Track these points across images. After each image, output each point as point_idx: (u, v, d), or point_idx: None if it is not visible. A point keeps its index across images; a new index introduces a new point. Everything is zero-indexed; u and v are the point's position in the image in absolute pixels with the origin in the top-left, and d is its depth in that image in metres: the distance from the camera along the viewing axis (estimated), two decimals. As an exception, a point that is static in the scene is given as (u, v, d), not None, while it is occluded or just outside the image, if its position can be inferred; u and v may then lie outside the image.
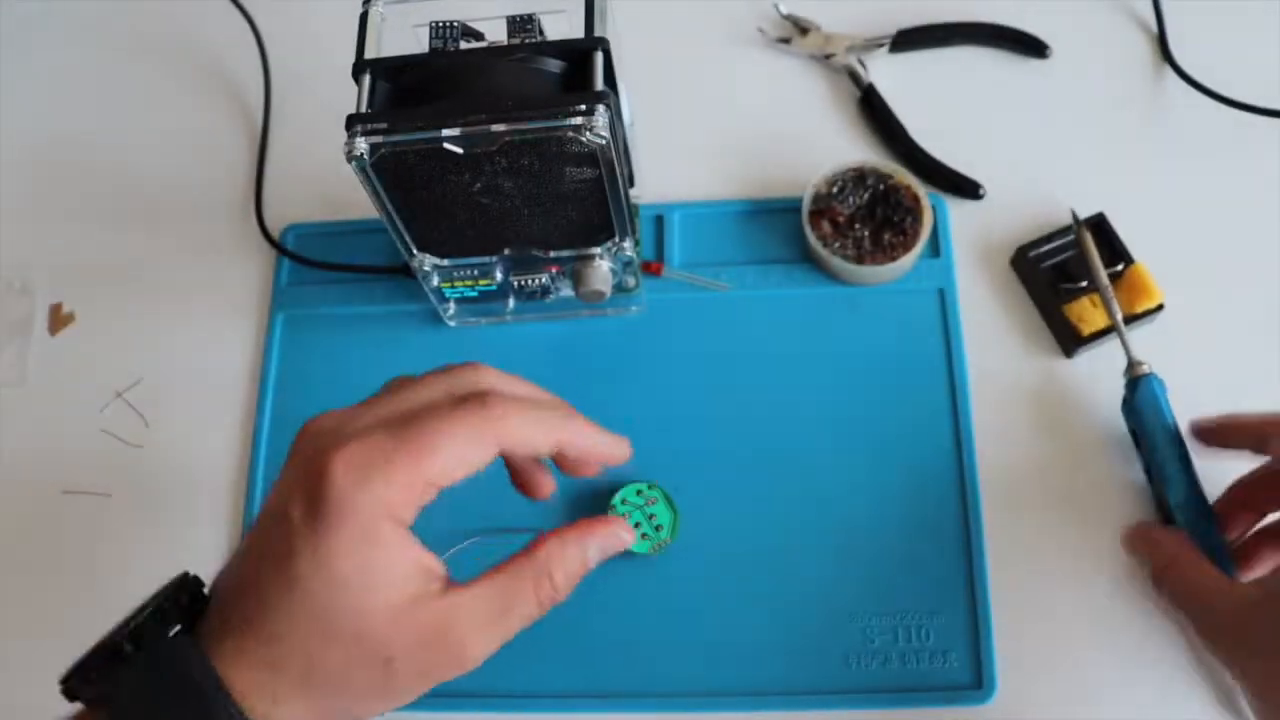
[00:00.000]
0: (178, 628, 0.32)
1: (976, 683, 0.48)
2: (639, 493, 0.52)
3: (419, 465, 0.32)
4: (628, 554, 0.46)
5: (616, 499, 0.51)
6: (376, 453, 0.32)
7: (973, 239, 0.57)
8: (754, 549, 0.51)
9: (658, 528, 0.51)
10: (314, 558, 0.32)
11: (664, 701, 0.49)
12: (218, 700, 0.31)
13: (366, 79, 0.45)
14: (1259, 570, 0.46)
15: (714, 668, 0.49)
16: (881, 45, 0.62)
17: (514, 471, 0.40)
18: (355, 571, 0.32)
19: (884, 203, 0.55)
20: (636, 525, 0.51)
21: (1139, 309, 0.53)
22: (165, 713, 0.31)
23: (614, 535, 0.37)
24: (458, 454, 0.33)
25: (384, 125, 0.43)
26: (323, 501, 0.32)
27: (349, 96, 0.45)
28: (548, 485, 0.40)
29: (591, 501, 0.52)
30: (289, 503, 0.32)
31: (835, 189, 0.56)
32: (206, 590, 0.35)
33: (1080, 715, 0.47)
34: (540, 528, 0.39)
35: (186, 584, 0.35)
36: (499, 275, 0.53)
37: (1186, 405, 0.49)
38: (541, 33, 0.46)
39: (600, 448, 0.38)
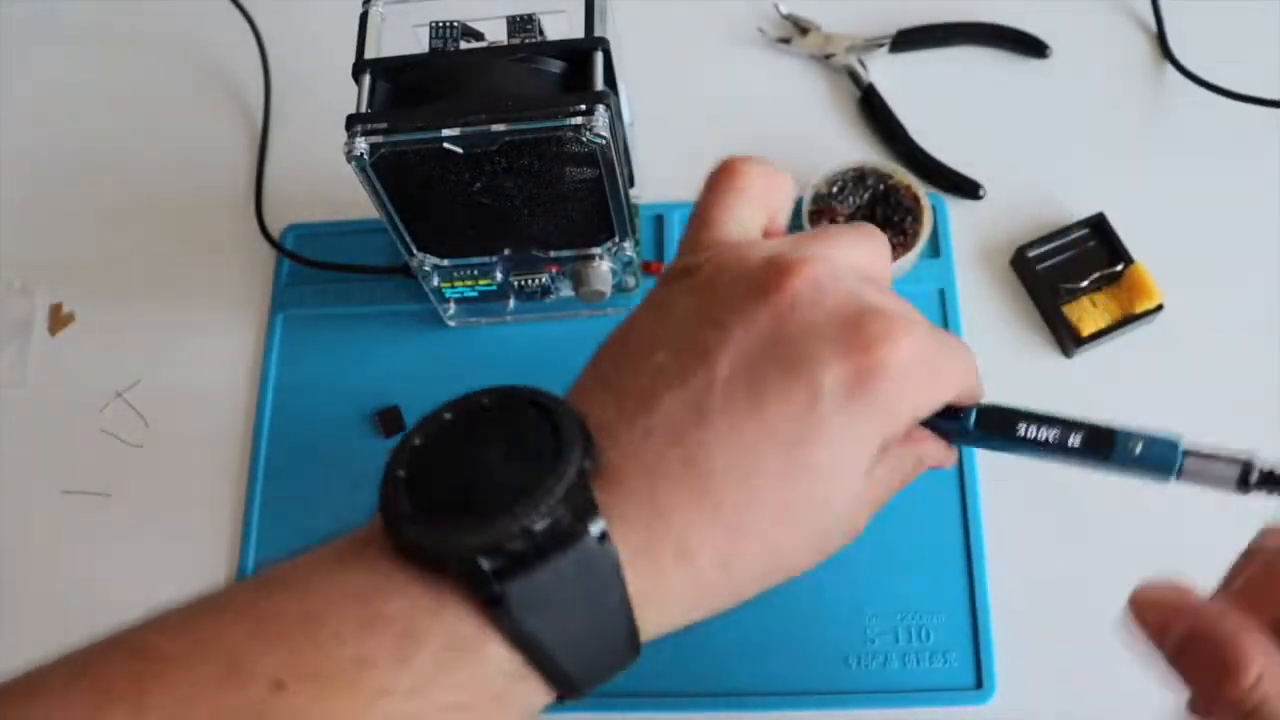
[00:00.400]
0: (600, 525, 0.26)
1: (976, 683, 0.48)
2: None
3: (946, 392, 0.30)
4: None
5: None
6: (930, 361, 0.28)
7: (973, 239, 0.57)
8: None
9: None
10: (830, 452, 0.26)
11: (663, 701, 0.49)
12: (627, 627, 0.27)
13: (366, 79, 0.45)
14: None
15: (713, 667, 0.49)
16: (881, 45, 0.62)
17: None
18: (858, 480, 0.27)
19: (884, 203, 0.55)
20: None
21: (1139, 309, 0.53)
22: (575, 626, 0.27)
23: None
24: (960, 390, 0.30)
25: (384, 125, 0.43)
26: (871, 389, 0.26)
27: (349, 96, 0.45)
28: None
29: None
30: (822, 362, 0.26)
31: (835, 189, 0.56)
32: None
33: (1080, 715, 0.47)
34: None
35: (589, 449, 0.27)
36: (499, 275, 0.53)
37: (1186, 408, 0.48)
38: (541, 33, 0.46)
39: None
